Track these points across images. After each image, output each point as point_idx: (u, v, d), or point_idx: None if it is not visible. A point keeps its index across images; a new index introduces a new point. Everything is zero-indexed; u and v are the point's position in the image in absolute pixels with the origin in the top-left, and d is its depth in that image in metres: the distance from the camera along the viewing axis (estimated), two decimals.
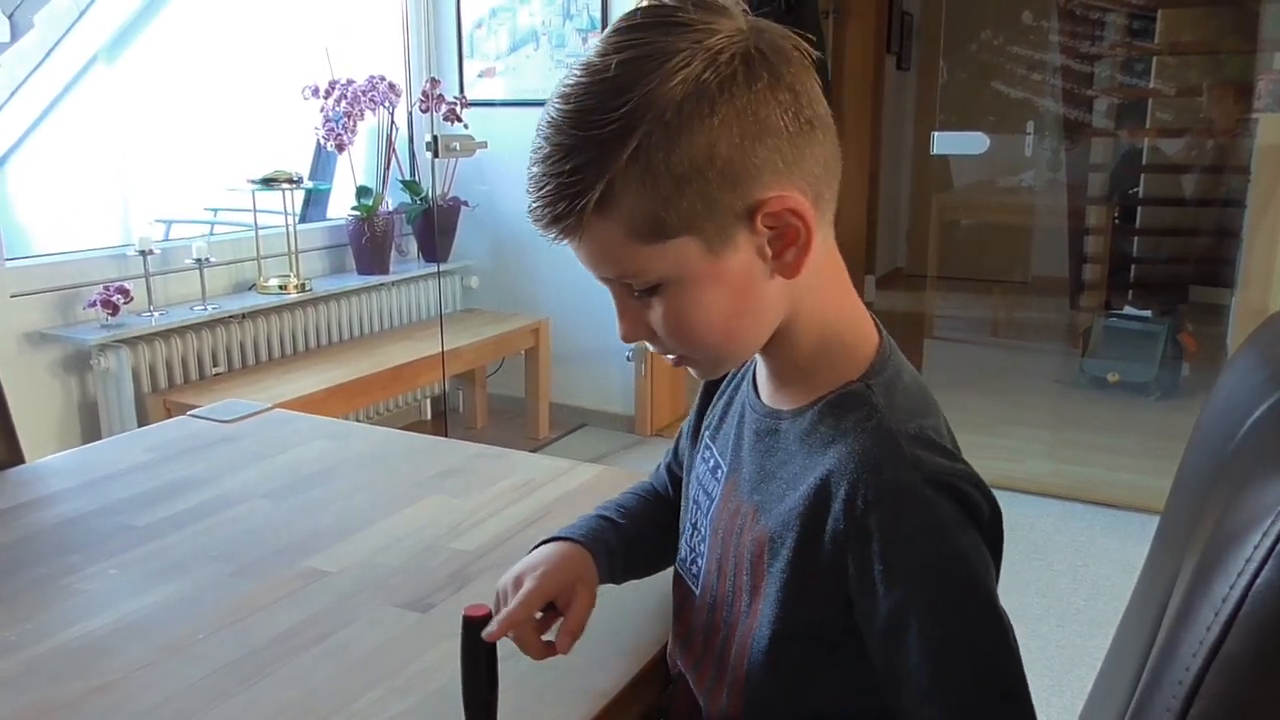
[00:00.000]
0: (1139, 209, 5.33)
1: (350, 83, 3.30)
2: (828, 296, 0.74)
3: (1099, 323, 4.28)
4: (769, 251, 0.68)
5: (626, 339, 0.74)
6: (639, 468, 3.51)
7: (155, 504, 1.20)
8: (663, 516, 0.97)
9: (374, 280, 3.37)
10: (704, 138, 0.64)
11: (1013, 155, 5.66)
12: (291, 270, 3.12)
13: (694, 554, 0.83)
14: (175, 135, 4.28)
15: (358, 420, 3.16)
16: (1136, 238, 5.29)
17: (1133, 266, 5.24)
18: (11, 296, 2.46)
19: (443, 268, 3.61)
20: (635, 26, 0.67)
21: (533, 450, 3.36)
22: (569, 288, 3.68)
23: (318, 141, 3.41)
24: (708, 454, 0.85)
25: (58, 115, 4.44)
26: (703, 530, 0.82)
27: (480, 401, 3.80)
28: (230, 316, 2.87)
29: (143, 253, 2.69)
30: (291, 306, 3.08)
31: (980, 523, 0.67)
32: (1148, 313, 4.18)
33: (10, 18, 4.64)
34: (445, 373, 3.12)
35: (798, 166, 0.67)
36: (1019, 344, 5.22)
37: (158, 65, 4.27)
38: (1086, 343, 4.30)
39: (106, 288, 2.58)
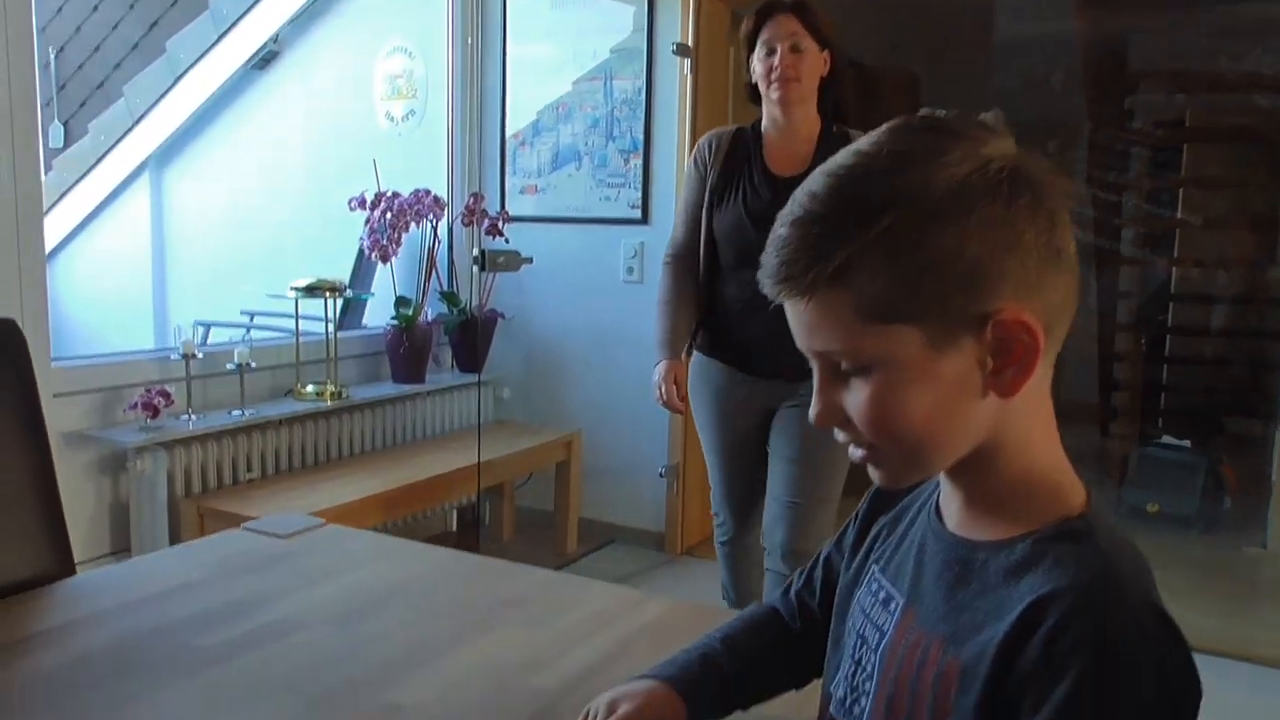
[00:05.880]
0: (1168, 337, 5.32)
1: (396, 195, 3.34)
2: (1036, 434, 0.71)
3: (1136, 451, 4.22)
4: (990, 364, 0.67)
5: (819, 421, 0.72)
6: (669, 587, 3.40)
7: (214, 625, 1.14)
8: (782, 652, 0.93)
9: (410, 389, 3.36)
10: (956, 233, 0.64)
11: None
12: (329, 377, 3.10)
13: (857, 693, 0.78)
14: (215, 240, 4.34)
15: (386, 529, 3.09)
16: (1166, 366, 5.27)
17: (1163, 395, 5.20)
18: (55, 396, 2.44)
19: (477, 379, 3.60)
20: (910, 127, 0.69)
21: (559, 567, 3.28)
22: (600, 402, 3.66)
23: (360, 251, 3.44)
24: (875, 586, 0.80)
25: (105, 217, 4.53)
26: (869, 667, 0.77)
27: (508, 514, 3.73)
28: (268, 422, 2.85)
29: (185, 356, 2.68)
30: (328, 414, 3.05)
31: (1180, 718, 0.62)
32: (1186, 443, 4.12)
33: (65, 125, 4.79)
34: (481, 484, 3.07)
35: (1039, 290, 0.66)
36: None
37: (207, 170, 4.37)
38: (1124, 471, 4.22)
39: (149, 390, 2.56)
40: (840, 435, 0.73)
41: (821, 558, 0.96)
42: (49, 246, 4.36)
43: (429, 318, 3.52)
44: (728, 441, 2.33)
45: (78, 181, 4.47)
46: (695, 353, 2.34)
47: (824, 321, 0.68)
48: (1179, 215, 5.34)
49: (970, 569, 0.71)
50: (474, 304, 3.63)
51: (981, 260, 0.64)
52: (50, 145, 4.68)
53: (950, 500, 0.76)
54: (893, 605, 0.77)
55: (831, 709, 0.81)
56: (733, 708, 0.90)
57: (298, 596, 1.24)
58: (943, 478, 0.76)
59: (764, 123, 2.21)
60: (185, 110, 4.23)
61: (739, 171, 2.20)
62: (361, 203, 3.32)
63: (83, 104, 4.81)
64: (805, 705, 0.98)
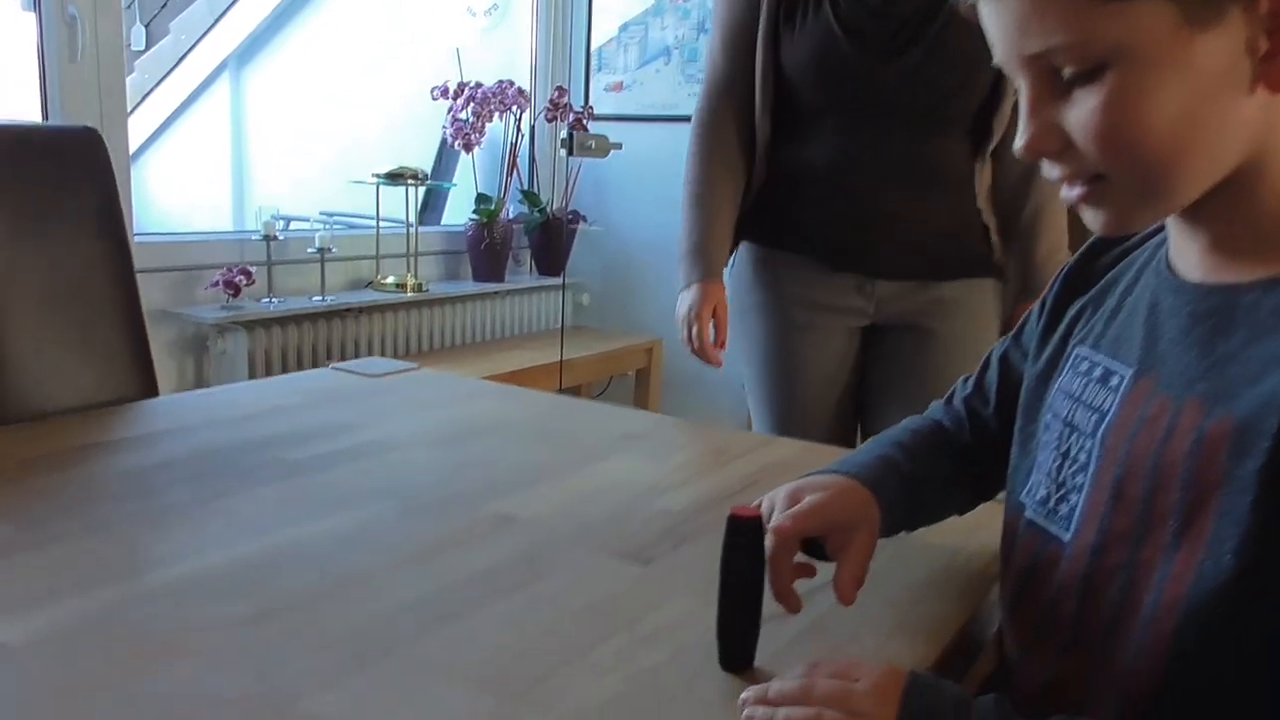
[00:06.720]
0: None
1: (479, 86, 3.22)
2: None
3: None
4: (1263, 46, 0.52)
5: (1030, 149, 0.58)
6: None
7: (307, 441, 1.05)
8: (954, 467, 0.79)
9: (490, 288, 3.26)
10: None
11: None
12: (409, 270, 3.02)
13: (1064, 490, 0.64)
14: (296, 137, 4.28)
15: None
16: None
17: None
18: (137, 272, 2.38)
19: (557, 281, 3.49)
20: None
21: None
22: None
23: (442, 141, 3.33)
24: (1086, 366, 0.66)
25: (187, 115, 4.49)
26: (1083, 456, 0.63)
27: None
28: (348, 309, 2.78)
29: (267, 238, 2.61)
30: (407, 305, 2.97)
31: None
32: None
33: (147, 26, 4.74)
34: (562, 382, 2.98)
35: None
36: None
37: (286, 69, 4.30)
38: None
39: (229, 269, 2.50)
40: (1054, 171, 0.59)
41: (995, 358, 0.82)
42: (131, 149, 4.36)
43: (509, 215, 3.42)
44: (791, 385, 1.53)
45: (159, 83, 4.43)
46: (745, 246, 1.58)
47: (1043, 7, 0.54)
48: None
49: (1232, 315, 0.57)
50: (555, 205, 3.51)
51: None
52: (132, 48, 4.63)
53: (1187, 249, 0.61)
54: (1115, 380, 0.63)
55: (1028, 514, 0.68)
56: (904, 524, 0.76)
57: (393, 423, 1.14)
58: (1175, 225, 0.62)
59: None
60: (265, 7, 4.14)
61: None
62: (444, 92, 3.21)
63: (164, 5, 4.75)
64: (975, 533, 0.86)
